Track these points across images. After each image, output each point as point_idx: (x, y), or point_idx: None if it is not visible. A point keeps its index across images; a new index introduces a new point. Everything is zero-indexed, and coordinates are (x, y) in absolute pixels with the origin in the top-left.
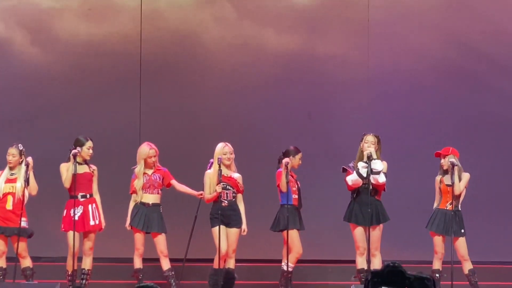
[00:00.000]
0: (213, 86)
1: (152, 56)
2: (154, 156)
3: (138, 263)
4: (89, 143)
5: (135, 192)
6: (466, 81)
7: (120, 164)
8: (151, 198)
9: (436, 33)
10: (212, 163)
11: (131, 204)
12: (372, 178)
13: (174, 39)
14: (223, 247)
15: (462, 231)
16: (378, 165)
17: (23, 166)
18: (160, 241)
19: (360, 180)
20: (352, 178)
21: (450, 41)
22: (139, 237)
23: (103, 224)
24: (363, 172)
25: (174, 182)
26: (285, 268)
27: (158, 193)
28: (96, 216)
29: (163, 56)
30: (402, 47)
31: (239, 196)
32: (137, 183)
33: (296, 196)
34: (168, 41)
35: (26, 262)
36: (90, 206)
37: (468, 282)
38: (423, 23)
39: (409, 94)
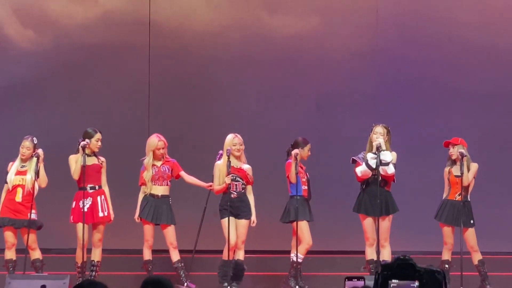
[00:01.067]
0: (222, 76)
1: (161, 41)
2: (163, 148)
3: (147, 255)
4: (98, 135)
5: (144, 183)
6: (476, 70)
7: (129, 156)
8: (160, 189)
9: (445, 22)
10: (221, 154)
11: (140, 196)
12: (381, 169)
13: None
14: (232, 239)
15: (472, 221)
16: (387, 156)
17: (34, 159)
18: (170, 232)
19: (369, 171)
20: (361, 169)
21: (458, 29)
22: (148, 229)
23: (112, 215)
24: (372, 163)
25: (183, 173)
26: (294, 259)
27: (167, 185)
28: (105, 207)
29: (171, 41)
30: (410, 36)
31: (249, 187)
32: (146, 175)
33: (306, 187)
34: (177, 28)
35: (36, 254)
36: (99, 197)
37: (477, 273)
38: (431, 12)
39: (417, 83)
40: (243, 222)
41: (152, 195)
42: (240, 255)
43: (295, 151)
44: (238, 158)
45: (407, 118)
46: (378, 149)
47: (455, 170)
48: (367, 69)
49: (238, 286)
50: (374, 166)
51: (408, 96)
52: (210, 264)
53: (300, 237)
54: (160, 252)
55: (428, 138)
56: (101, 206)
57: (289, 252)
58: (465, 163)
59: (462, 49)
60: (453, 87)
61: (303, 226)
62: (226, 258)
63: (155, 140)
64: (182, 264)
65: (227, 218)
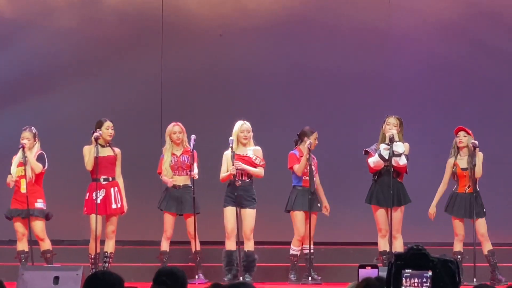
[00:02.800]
0: (232, 64)
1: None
2: (179, 133)
3: (164, 246)
4: (107, 123)
5: (161, 172)
6: (492, 57)
7: (142, 147)
8: (180, 179)
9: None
10: (232, 141)
11: (164, 178)
12: (393, 160)
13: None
14: (229, 227)
15: (484, 211)
16: (400, 147)
17: (35, 147)
18: (190, 222)
19: (382, 162)
20: (374, 160)
21: (474, 15)
22: (168, 219)
23: (125, 207)
24: (385, 154)
25: (194, 165)
26: (290, 251)
27: (187, 174)
28: (118, 199)
29: (185, 25)
30: (423, 23)
31: (259, 169)
32: (164, 162)
33: (307, 178)
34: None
35: (46, 245)
36: (112, 189)
37: (487, 263)
38: None
39: (430, 74)
40: (248, 212)
41: (173, 186)
42: (250, 246)
43: (308, 141)
44: (245, 145)
45: (419, 109)
46: (391, 140)
47: (462, 163)
48: (379, 60)
49: (251, 277)
50: (387, 157)
51: (421, 85)
52: (216, 255)
53: (294, 228)
54: (177, 243)
55: (441, 128)
56: (114, 198)
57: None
58: (477, 154)
59: (478, 34)
60: (466, 75)
61: (297, 217)
62: (229, 248)
63: (170, 125)
64: (198, 255)
65: (229, 207)
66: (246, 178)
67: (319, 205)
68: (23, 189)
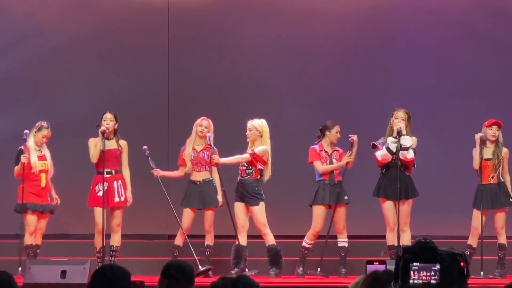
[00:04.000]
0: (243, 62)
1: (180, 34)
2: (206, 127)
3: (178, 240)
4: (105, 115)
5: (182, 164)
6: (500, 50)
7: (149, 141)
8: (199, 175)
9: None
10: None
11: (176, 173)
12: (401, 153)
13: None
14: (239, 223)
15: (511, 199)
16: (407, 141)
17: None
18: (208, 216)
19: (389, 155)
20: (381, 154)
21: (481, 7)
22: (186, 214)
23: (130, 199)
24: (393, 147)
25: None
26: (302, 243)
27: (206, 170)
28: (121, 192)
29: (192, 27)
30: (428, 18)
31: (237, 156)
32: (185, 154)
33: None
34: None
35: (39, 240)
36: (115, 182)
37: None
38: None
39: (438, 66)
40: (252, 209)
41: (193, 182)
42: (269, 240)
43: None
44: (252, 143)
45: (427, 102)
46: (399, 133)
47: (486, 154)
48: (387, 54)
49: (276, 271)
50: (394, 150)
51: (429, 78)
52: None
53: (312, 221)
54: (190, 237)
55: (448, 122)
56: (117, 191)
57: (324, 237)
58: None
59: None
60: (475, 67)
61: (316, 211)
62: (238, 243)
63: (199, 119)
64: (210, 249)
65: (236, 203)
66: (244, 175)
67: (345, 197)
68: (43, 183)
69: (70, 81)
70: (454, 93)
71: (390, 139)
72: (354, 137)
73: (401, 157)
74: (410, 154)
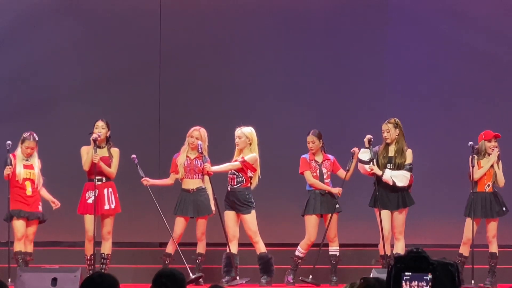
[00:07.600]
0: (235, 67)
1: (172, 45)
2: (197, 138)
3: (170, 249)
4: (97, 123)
5: (174, 171)
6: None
7: (140, 149)
8: (192, 183)
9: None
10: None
11: (167, 181)
12: (359, 166)
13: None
14: (229, 231)
15: (504, 209)
16: (365, 156)
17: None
18: (200, 224)
19: (362, 165)
20: (359, 166)
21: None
22: (178, 222)
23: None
24: (362, 156)
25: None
26: (296, 252)
27: (198, 178)
28: (112, 200)
29: (183, 37)
30: (422, 28)
31: (227, 164)
32: (179, 160)
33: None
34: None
35: (31, 247)
36: (106, 190)
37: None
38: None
39: (431, 73)
40: (243, 217)
41: (186, 190)
42: (260, 248)
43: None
44: (240, 151)
45: (420, 111)
46: (369, 142)
47: (483, 162)
48: (379, 60)
49: (267, 279)
50: (365, 159)
51: (421, 86)
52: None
53: (306, 231)
54: (182, 245)
55: (442, 131)
56: (107, 199)
57: (318, 245)
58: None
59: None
60: (467, 76)
61: (309, 221)
62: (229, 251)
63: (192, 128)
64: (201, 257)
65: (226, 211)
66: (235, 184)
67: (337, 206)
68: (29, 192)
69: (60, 86)
70: (447, 101)
71: (362, 149)
72: (356, 150)
73: (360, 170)
74: (401, 182)
